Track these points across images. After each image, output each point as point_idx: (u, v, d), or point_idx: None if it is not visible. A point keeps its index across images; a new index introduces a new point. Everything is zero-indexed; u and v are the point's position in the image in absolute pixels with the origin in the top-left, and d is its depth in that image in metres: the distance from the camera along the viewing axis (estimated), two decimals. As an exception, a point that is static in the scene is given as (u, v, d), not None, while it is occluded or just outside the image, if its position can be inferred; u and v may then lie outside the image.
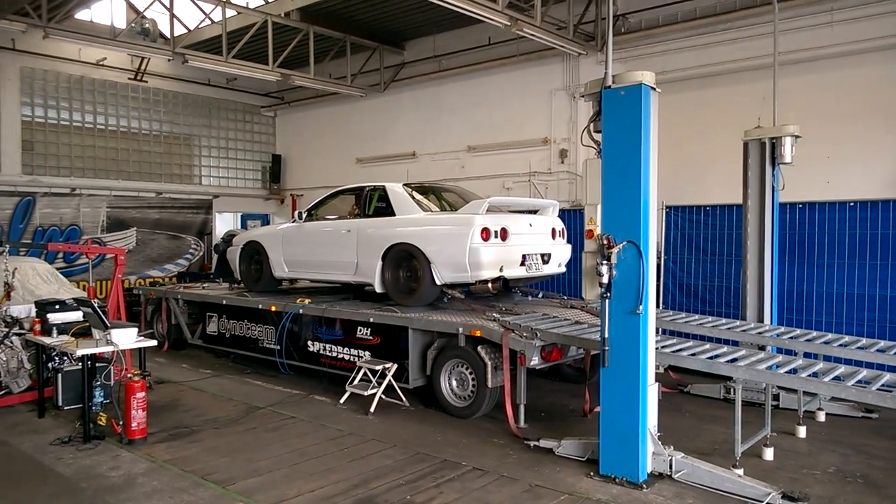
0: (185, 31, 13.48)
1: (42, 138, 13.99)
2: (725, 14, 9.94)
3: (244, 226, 17.05)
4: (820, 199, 8.53)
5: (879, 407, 6.82)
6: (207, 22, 13.37)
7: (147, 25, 12.30)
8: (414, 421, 7.04)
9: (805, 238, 8.52)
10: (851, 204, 8.26)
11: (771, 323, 7.74)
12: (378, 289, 8.21)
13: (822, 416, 7.05)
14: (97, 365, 6.73)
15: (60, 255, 13.38)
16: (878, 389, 4.81)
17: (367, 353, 7.92)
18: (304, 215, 9.24)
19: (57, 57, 13.89)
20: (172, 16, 12.25)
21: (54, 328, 6.95)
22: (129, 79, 15.12)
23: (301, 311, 8.59)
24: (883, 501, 5.00)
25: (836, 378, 5.18)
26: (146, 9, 12.52)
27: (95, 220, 14.40)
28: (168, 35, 12.50)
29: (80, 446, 6.14)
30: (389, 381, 7.39)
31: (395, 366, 7.45)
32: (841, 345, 6.53)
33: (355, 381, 7.61)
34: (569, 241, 8.79)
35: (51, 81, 14.06)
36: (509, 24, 9.73)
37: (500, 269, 7.50)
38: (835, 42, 9.02)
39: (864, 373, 5.25)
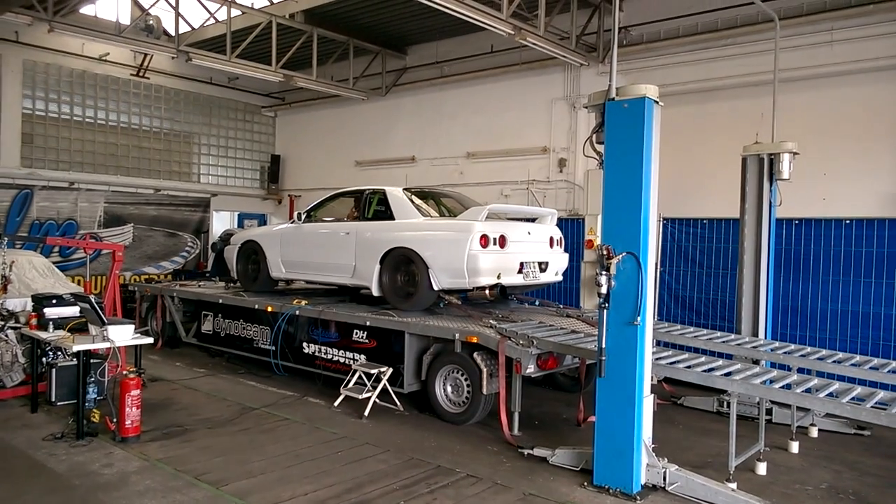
0: (190, 29, 13.49)
1: (42, 131, 13.95)
2: (727, 30, 10.01)
3: (241, 225, 17.05)
4: (816, 215, 8.60)
5: (872, 424, 6.84)
6: (212, 21, 13.38)
7: (151, 22, 12.35)
8: (408, 426, 7.04)
9: (801, 254, 8.58)
10: (847, 221, 8.32)
11: (765, 337, 7.79)
12: (375, 292, 8.21)
13: (814, 432, 7.09)
14: (92, 361, 6.72)
15: (56, 248, 13.34)
16: (872, 407, 4.85)
17: (363, 356, 7.92)
18: (303, 216, 9.25)
19: (60, 51, 13.87)
20: (177, 14, 12.27)
21: (51, 323, 6.95)
22: (132, 75, 15.12)
23: (297, 312, 8.58)
24: (874, 518, 5.03)
25: (831, 394, 5.22)
26: (151, 6, 12.53)
27: (93, 214, 14.41)
28: (172, 33, 12.51)
29: (73, 443, 6.11)
30: (384, 385, 7.40)
31: (391, 370, 7.45)
32: (835, 361, 6.56)
33: (350, 384, 7.62)
34: (566, 251, 8.82)
35: (53, 75, 14.03)
36: (513, 32, 9.77)
37: (498, 277, 7.51)
38: (834, 61, 9.08)
39: (858, 390, 5.29)
